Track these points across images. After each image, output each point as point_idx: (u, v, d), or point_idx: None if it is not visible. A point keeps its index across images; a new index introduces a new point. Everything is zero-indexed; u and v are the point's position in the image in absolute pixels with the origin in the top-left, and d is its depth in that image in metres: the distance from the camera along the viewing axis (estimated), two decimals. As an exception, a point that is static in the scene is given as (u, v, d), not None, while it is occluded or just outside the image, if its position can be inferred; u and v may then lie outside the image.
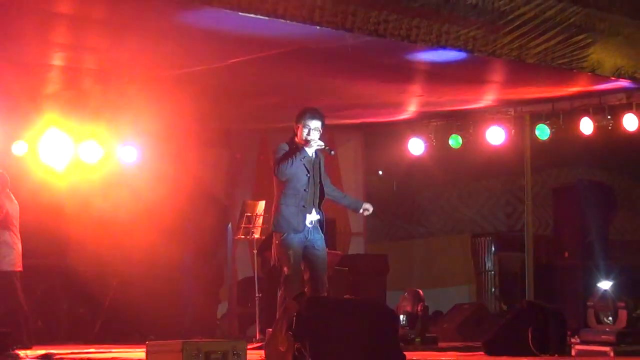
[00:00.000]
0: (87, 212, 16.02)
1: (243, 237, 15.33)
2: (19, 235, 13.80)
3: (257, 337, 13.73)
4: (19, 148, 15.64)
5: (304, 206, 10.99)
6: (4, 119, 15.18)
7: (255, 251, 15.28)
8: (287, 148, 10.96)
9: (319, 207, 11.20)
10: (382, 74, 13.86)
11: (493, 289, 17.07)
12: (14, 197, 13.93)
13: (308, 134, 10.82)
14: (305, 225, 11.01)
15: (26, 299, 14.25)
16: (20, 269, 13.76)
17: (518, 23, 12.33)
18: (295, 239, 10.97)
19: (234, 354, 10.74)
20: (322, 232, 11.20)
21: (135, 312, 15.43)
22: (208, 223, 17.80)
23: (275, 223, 11.12)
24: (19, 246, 13.76)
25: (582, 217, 16.53)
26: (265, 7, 10.58)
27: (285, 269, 11.11)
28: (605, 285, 14.68)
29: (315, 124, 10.82)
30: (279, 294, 11.42)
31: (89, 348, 13.56)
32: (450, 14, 11.85)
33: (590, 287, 15.45)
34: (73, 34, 11.66)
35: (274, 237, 11.35)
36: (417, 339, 14.60)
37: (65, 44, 12.18)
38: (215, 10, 10.42)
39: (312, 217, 11.04)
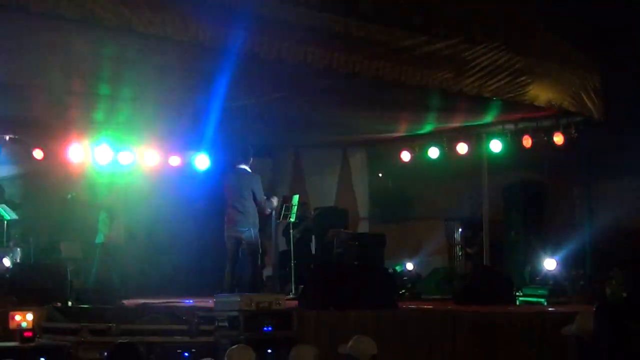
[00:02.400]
0: (172, 202, 16.11)
1: (283, 221, 15.37)
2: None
3: (293, 292, 13.75)
4: (124, 158, 15.70)
5: None
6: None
7: (291, 231, 15.31)
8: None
9: None
10: (376, 107, 13.92)
11: (459, 257, 17.06)
12: None
13: None
14: None
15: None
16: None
17: (477, 69, 12.36)
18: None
19: (276, 303, 10.76)
20: None
21: (207, 275, 15.48)
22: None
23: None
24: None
25: (524, 206, 16.54)
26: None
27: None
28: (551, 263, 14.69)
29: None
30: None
31: (174, 299, 13.59)
32: (429, 62, 11.88)
33: (530, 256, 15.49)
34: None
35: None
36: (406, 293, 14.64)
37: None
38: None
39: None
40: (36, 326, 9.78)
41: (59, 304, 11.19)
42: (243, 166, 12.86)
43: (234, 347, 8.41)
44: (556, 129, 14.80)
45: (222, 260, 16.41)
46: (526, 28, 13.16)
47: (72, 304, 11.60)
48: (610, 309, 5.88)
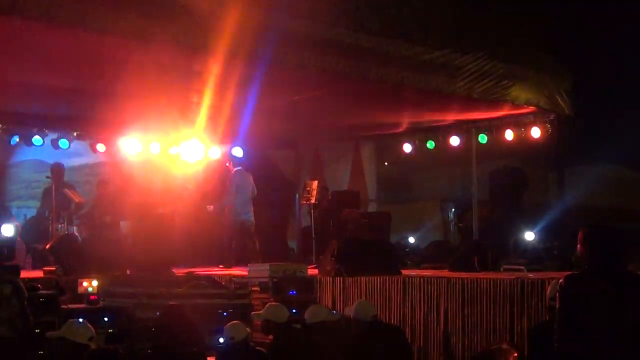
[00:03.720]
0: (215, 190, 16.12)
1: (305, 202, 15.41)
2: None
3: (314, 262, 13.78)
4: (174, 150, 15.73)
5: None
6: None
7: (312, 210, 15.34)
8: None
9: None
10: (382, 106, 13.90)
11: (452, 232, 17.02)
12: None
13: None
14: None
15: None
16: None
17: (467, 74, 12.33)
18: None
19: (300, 271, 10.81)
20: None
21: (244, 248, 15.47)
22: (283, 194, 17.86)
23: None
24: None
25: (507, 189, 16.47)
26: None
27: None
28: (529, 236, 14.68)
29: None
30: None
31: (214, 268, 13.62)
32: (426, 69, 11.89)
33: (512, 231, 15.42)
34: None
35: None
36: (408, 262, 14.62)
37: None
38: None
39: None
40: (100, 291, 9.88)
41: (119, 273, 11.27)
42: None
43: (272, 304, 8.49)
44: (533, 124, 14.76)
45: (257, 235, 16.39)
46: (507, 39, 13.11)
47: (130, 272, 11.66)
48: (575, 278, 5.85)
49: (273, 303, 8.60)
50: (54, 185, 14.06)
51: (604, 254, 5.68)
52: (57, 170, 14.44)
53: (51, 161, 15.02)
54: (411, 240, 17.05)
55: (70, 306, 9.50)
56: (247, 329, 7.68)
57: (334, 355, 7.81)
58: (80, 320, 7.00)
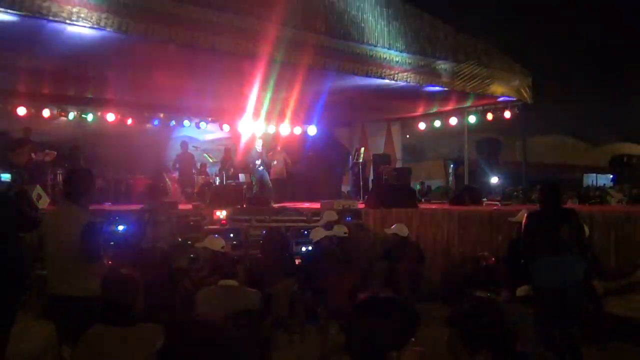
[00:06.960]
0: (296, 153, 16.11)
1: (355, 161, 15.32)
2: None
3: (361, 199, 13.75)
4: (270, 129, 15.68)
5: None
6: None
7: (360, 167, 15.23)
8: None
9: None
10: (406, 98, 13.68)
11: (451, 180, 16.75)
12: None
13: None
14: None
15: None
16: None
17: (462, 76, 12.14)
18: None
19: (353, 205, 10.79)
20: None
21: (316, 189, 15.49)
22: (341, 156, 17.79)
23: None
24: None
25: (487, 152, 16.16)
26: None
27: None
28: (494, 180, 14.42)
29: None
30: None
31: (299, 202, 13.65)
32: (432, 73, 11.71)
33: (490, 179, 15.16)
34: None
35: None
36: (423, 199, 14.48)
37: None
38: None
39: None
40: (228, 217, 10.05)
41: (239, 206, 11.46)
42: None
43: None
44: (506, 108, 14.40)
45: (316, 187, 16.33)
46: (489, 52, 12.83)
47: (245, 206, 11.83)
48: (534, 212, 6.29)
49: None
50: (186, 152, 14.39)
51: (550, 198, 6.05)
52: (185, 144, 14.74)
53: (196, 137, 15.27)
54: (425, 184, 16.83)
55: (209, 227, 9.71)
56: (325, 232, 7.70)
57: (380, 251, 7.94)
58: (216, 235, 7.16)
